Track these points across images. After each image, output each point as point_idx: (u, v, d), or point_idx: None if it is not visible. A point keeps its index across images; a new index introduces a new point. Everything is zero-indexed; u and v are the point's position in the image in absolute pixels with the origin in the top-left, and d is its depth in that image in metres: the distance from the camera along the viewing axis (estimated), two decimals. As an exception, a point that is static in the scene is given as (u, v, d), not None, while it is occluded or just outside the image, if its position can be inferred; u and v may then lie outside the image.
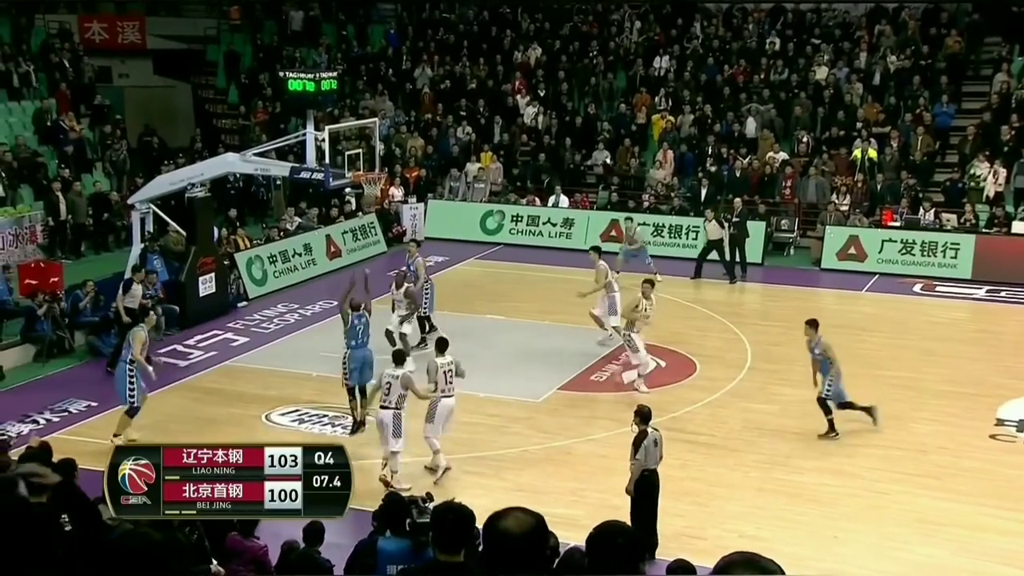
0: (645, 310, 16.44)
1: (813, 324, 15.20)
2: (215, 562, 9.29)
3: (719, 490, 13.47)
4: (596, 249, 19.16)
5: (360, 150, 18.48)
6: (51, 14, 30.46)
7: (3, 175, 23.47)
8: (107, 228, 24.15)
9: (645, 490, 11.64)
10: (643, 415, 11.81)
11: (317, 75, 18.29)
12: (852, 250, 23.88)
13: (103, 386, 16.52)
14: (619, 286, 18.31)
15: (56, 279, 19.79)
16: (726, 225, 22.89)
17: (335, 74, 19.57)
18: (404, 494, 10.32)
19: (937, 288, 22.52)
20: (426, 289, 18.13)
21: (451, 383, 13.63)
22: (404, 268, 18.14)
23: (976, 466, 14.03)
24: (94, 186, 24.91)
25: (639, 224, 23.55)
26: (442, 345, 14.00)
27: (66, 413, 15.63)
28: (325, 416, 15.34)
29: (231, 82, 32.54)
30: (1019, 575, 11.15)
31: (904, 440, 14.90)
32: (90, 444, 14.13)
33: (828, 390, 14.78)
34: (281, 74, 20.32)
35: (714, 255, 23.04)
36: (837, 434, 14.81)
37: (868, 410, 15.03)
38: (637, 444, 11.66)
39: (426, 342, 17.57)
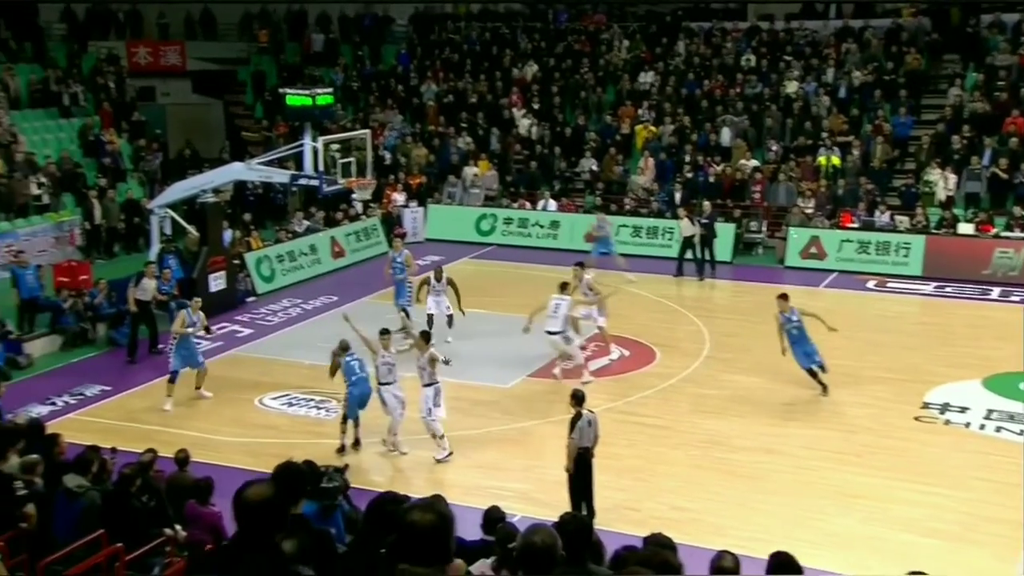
0: None
1: (784, 297, 15.68)
2: (179, 527, 9.54)
3: (660, 467, 13.56)
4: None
5: (353, 159, 18.61)
6: (102, 41, 31.05)
7: (48, 184, 23.99)
8: (137, 231, 24.53)
9: (580, 467, 11.75)
10: (578, 398, 11.82)
11: (312, 91, 18.48)
12: (813, 249, 23.87)
13: (118, 373, 17.08)
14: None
15: (85, 277, 20.23)
16: (697, 222, 22.94)
17: (331, 90, 19.67)
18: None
19: (888, 284, 22.46)
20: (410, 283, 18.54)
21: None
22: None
23: (896, 444, 14.07)
24: (127, 193, 25.34)
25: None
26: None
27: (82, 396, 16.00)
28: (312, 400, 15.56)
29: (258, 99, 32.89)
30: (915, 540, 11.19)
31: (838, 422, 14.96)
32: (96, 424, 14.68)
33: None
34: (280, 91, 20.54)
35: (688, 253, 23.06)
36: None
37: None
38: (573, 425, 11.72)
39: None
